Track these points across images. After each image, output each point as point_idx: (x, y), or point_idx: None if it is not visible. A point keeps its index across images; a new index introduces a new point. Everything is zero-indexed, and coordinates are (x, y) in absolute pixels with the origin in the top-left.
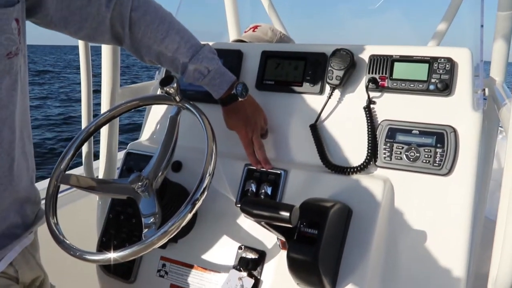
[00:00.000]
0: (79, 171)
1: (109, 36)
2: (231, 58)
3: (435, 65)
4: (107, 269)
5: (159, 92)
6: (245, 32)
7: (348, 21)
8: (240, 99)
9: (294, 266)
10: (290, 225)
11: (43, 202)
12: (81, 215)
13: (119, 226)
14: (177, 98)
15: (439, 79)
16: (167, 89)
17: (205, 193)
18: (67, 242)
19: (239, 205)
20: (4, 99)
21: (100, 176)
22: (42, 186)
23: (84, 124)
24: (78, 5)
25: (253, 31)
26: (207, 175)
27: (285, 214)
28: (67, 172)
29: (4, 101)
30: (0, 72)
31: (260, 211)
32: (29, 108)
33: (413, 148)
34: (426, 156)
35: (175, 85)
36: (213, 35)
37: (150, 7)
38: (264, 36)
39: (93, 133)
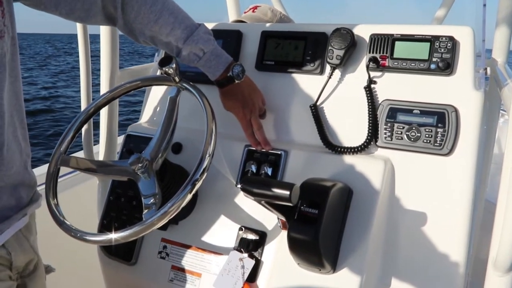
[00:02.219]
0: (80, 155)
1: (102, 17)
2: (230, 38)
3: (437, 44)
4: (108, 251)
5: (158, 73)
6: (245, 12)
7: (349, 3)
8: (236, 81)
9: (295, 246)
10: (291, 204)
11: (41, 187)
12: (82, 199)
13: (120, 208)
14: (177, 79)
15: (441, 58)
16: (166, 70)
17: (205, 173)
18: (68, 223)
19: (240, 186)
20: None
21: (101, 159)
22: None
23: (83, 105)
24: None
25: (253, 11)
26: (207, 155)
27: (286, 192)
28: (67, 155)
29: None
30: None
31: (260, 190)
32: (22, 92)
33: (414, 128)
34: (427, 136)
35: (174, 65)
36: (212, 15)
37: None
38: (264, 16)
39: (93, 114)
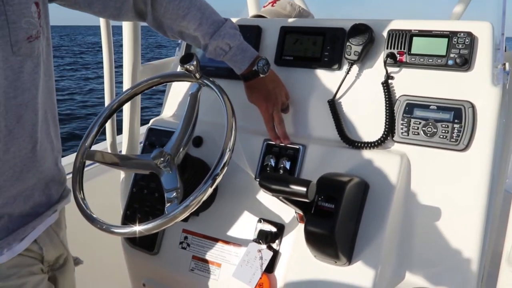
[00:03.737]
0: (102, 145)
1: (133, 14)
2: (250, 34)
3: (454, 39)
4: (132, 241)
5: (179, 69)
6: (264, 7)
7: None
8: (261, 75)
9: (311, 239)
10: (307, 200)
11: (68, 181)
12: (104, 189)
13: (143, 200)
14: (197, 75)
15: (458, 54)
16: (187, 67)
17: (225, 168)
18: (94, 216)
19: (258, 182)
20: (27, 82)
21: (123, 152)
22: (67, 161)
23: (107, 101)
24: None
25: (272, 5)
26: (227, 150)
27: (302, 189)
28: (92, 149)
29: (26, 84)
30: (22, 56)
31: (278, 186)
32: (55, 90)
33: (430, 124)
34: (443, 131)
35: (194, 62)
36: (232, 10)
37: None
38: (283, 10)
39: (116, 110)
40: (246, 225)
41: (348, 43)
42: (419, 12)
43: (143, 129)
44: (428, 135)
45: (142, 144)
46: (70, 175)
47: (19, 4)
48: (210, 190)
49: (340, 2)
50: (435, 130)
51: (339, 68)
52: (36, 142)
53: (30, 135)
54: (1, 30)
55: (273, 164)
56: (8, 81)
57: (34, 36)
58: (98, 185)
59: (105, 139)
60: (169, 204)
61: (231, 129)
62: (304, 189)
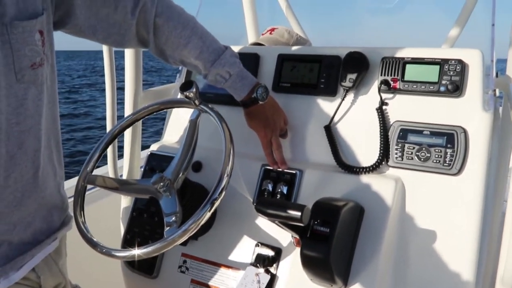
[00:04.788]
0: (103, 170)
1: (136, 41)
2: (248, 61)
3: (446, 67)
4: (131, 265)
5: (179, 96)
6: (263, 34)
7: (366, 21)
8: (260, 102)
9: (307, 262)
10: (302, 224)
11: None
12: (104, 213)
13: (142, 224)
14: (197, 102)
15: (450, 80)
16: (187, 94)
17: (223, 193)
18: (95, 240)
19: (254, 207)
20: (30, 109)
21: (124, 176)
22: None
23: (108, 126)
24: (105, 12)
25: (270, 33)
26: (225, 175)
27: (297, 213)
28: (93, 173)
29: (30, 111)
30: (26, 83)
31: (273, 210)
32: (59, 115)
33: (424, 149)
34: (436, 156)
35: (194, 89)
36: (232, 38)
37: (174, 12)
38: (281, 38)
39: (118, 135)
40: (244, 249)
41: (343, 71)
42: (415, 38)
43: (143, 153)
44: (422, 159)
45: (142, 169)
46: (71, 199)
47: (23, 33)
48: (208, 214)
49: (338, 29)
50: (429, 155)
51: (335, 94)
52: (38, 168)
53: (32, 161)
54: (5, 58)
55: (270, 189)
56: (11, 107)
57: (38, 63)
58: (98, 209)
59: (106, 163)
60: (168, 228)
61: (229, 155)
62: (299, 213)
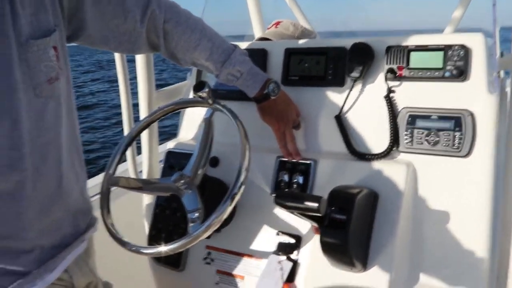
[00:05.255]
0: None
1: (147, 47)
2: (256, 57)
3: (450, 52)
4: (158, 260)
5: (191, 94)
6: (268, 28)
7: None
8: (272, 97)
9: (327, 249)
10: (320, 214)
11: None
12: (126, 210)
13: (166, 220)
14: (210, 101)
15: (454, 65)
16: (200, 94)
17: (243, 187)
18: (125, 239)
19: (273, 200)
20: (50, 121)
21: (144, 174)
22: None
23: (126, 129)
24: (115, 23)
25: (276, 27)
26: (243, 170)
27: (314, 204)
28: (116, 175)
29: (49, 124)
30: (44, 98)
31: (292, 203)
32: (78, 121)
33: (433, 133)
34: (445, 139)
35: (207, 90)
36: (239, 34)
37: (181, 17)
38: (286, 31)
39: (135, 137)
40: (266, 238)
41: (349, 62)
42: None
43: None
44: (432, 143)
45: (161, 166)
46: (95, 201)
47: (38, 50)
48: (229, 209)
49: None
50: (438, 138)
51: (343, 85)
52: (61, 177)
53: (56, 171)
54: (23, 75)
55: (286, 180)
56: (32, 122)
57: (54, 78)
58: (120, 205)
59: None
60: (192, 224)
61: (245, 150)
62: (316, 204)
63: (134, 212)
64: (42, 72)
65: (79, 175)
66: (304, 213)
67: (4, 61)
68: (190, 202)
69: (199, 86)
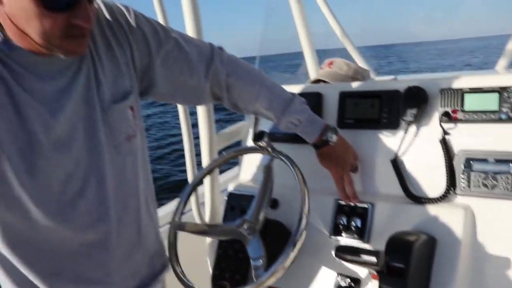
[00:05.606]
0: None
1: (210, 98)
2: (312, 100)
3: (505, 94)
4: None
5: (249, 140)
6: (322, 69)
7: (415, 29)
8: (330, 143)
9: None
10: (378, 268)
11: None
12: (188, 245)
13: (228, 260)
14: (269, 150)
15: (510, 108)
16: (260, 144)
17: (304, 232)
18: (194, 286)
19: (334, 254)
20: (129, 175)
21: (207, 216)
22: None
23: (189, 176)
24: (182, 80)
25: (329, 67)
26: (304, 216)
27: (373, 259)
28: (182, 221)
29: (129, 177)
30: (124, 154)
31: (352, 256)
32: (150, 170)
33: (490, 176)
34: (503, 182)
35: (266, 139)
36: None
37: (243, 70)
38: (340, 71)
39: (198, 184)
40: (324, 280)
41: (403, 105)
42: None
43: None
44: (489, 187)
45: (224, 208)
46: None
47: (118, 113)
48: (292, 255)
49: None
50: (495, 182)
51: (397, 127)
52: (140, 225)
53: (135, 219)
54: (106, 136)
55: (344, 223)
56: (115, 177)
57: (132, 135)
58: (182, 240)
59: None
60: (256, 271)
61: (305, 196)
62: (375, 259)
63: (197, 246)
64: (122, 131)
65: (154, 219)
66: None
67: (91, 125)
68: (254, 249)
69: (259, 136)
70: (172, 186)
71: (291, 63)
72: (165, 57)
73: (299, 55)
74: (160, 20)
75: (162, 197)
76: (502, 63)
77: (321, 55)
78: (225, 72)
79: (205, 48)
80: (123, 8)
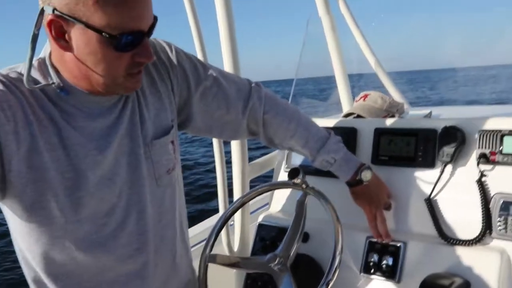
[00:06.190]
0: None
1: (246, 134)
2: (347, 135)
3: None
4: None
5: (282, 173)
6: (356, 101)
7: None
8: (364, 183)
9: None
10: None
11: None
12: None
13: None
14: (304, 186)
15: None
16: (295, 181)
17: (337, 271)
18: None
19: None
20: (168, 206)
21: (235, 247)
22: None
23: (221, 208)
24: (219, 114)
25: (364, 100)
26: (337, 254)
27: None
28: (212, 253)
29: (167, 208)
30: (164, 186)
31: None
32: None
33: None
34: None
35: (301, 176)
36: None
37: (280, 108)
38: (374, 104)
39: (230, 217)
40: None
41: (440, 146)
42: None
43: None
44: None
45: (253, 240)
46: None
47: (160, 148)
48: None
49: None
50: None
51: (433, 167)
52: (175, 254)
53: (171, 249)
54: (148, 169)
55: (376, 261)
56: (154, 209)
57: (171, 168)
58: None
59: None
60: None
61: (338, 234)
62: None
63: (224, 275)
64: (163, 165)
65: (187, 247)
66: None
67: (135, 160)
68: (285, 287)
69: (294, 173)
70: None
71: (319, 87)
72: (203, 93)
73: (327, 80)
74: (200, 56)
75: None
76: None
77: (356, 78)
78: (262, 109)
79: (243, 84)
80: (165, 45)
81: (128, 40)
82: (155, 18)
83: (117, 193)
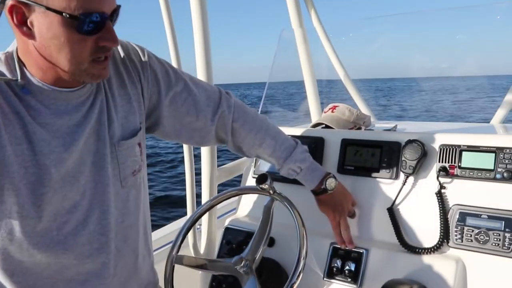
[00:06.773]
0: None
1: (214, 141)
2: (314, 144)
3: (501, 155)
4: None
5: (250, 179)
6: (325, 112)
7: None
8: (329, 192)
9: None
10: None
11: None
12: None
13: None
14: (271, 192)
15: (505, 168)
16: (262, 186)
17: (301, 275)
18: None
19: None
20: (131, 208)
21: (202, 249)
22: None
23: (189, 212)
24: (188, 120)
25: (332, 111)
26: (301, 259)
27: None
28: (179, 254)
29: (131, 209)
30: (128, 187)
31: None
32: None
33: (482, 232)
34: (495, 239)
35: (269, 182)
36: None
37: (248, 117)
38: (342, 116)
39: (197, 220)
40: None
41: (403, 158)
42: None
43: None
44: (481, 242)
45: (219, 243)
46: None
47: (127, 149)
48: None
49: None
50: (487, 238)
51: (396, 178)
52: (137, 255)
53: (133, 250)
54: (114, 170)
55: (339, 266)
56: (118, 210)
57: (137, 170)
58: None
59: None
60: None
61: (303, 240)
62: None
63: (189, 276)
64: (129, 166)
65: (149, 249)
66: None
67: (100, 159)
68: None
69: (262, 179)
70: None
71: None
72: (173, 98)
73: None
74: (174, 62)
75: None
76: (499, 114)
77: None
78: (232, 117)
79: (213, 92)
80: (137, 48)
81: (91, 21)
82: (119, 6)
83: (81, 192)
